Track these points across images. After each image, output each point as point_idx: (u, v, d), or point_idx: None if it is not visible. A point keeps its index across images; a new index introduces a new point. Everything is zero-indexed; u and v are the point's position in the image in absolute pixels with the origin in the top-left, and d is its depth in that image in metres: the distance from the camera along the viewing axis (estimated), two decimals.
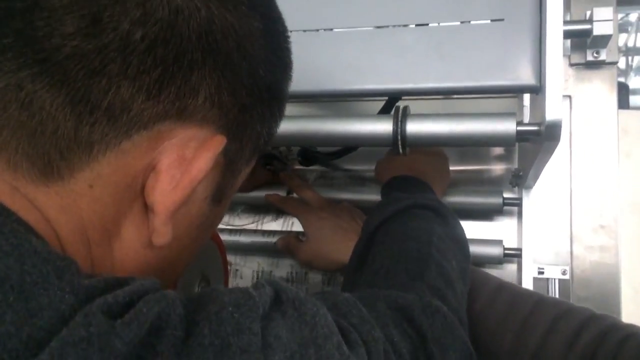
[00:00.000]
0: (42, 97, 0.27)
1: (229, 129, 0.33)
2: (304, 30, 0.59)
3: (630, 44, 2.75)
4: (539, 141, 0.53)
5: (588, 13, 0.74)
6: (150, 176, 0.30)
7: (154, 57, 0.28)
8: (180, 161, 0.31)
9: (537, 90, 0.53)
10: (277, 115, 0.39)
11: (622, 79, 2.77)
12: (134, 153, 0.29)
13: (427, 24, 0.56)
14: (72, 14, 0.26)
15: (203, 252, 0.61)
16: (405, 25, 0.57)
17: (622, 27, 2.69)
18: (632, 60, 2.78)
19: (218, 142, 0.32)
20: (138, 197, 0.31)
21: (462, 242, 0.59)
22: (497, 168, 0.88)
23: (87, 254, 0.30)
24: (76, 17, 0.26)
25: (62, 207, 0.29)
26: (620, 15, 2.68)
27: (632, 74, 2.82)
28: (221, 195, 0.36)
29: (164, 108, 0.29)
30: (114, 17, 0.27)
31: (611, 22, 0.73)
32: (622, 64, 2.82)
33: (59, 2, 0.27)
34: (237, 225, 0.93)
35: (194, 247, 0.38)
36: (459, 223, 0.61)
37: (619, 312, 0.75)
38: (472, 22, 0.55)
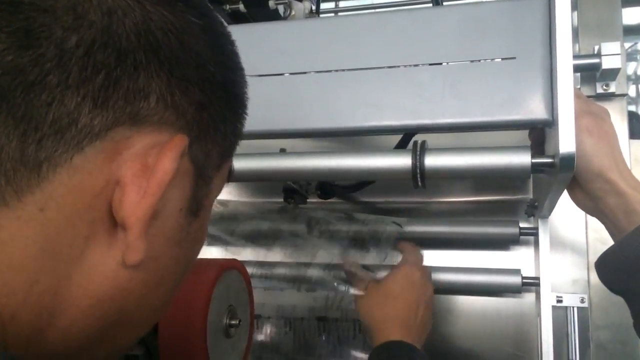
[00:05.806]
0: None
1: (190, 130, 0.31)
2: (324, 71, 0.62)
3: None
4: (553, 173, 0.55)
5: (596, 47, 0.77)
6: (116, 191, 0.29)
7: (94, 63, 0.27)
8: (145, 170, 0.29)
9: (550, 124, 0.55)
10: (240, 115, 0.37)
11: (632, 107, 2.78)
12: (89, 168, 0.28)
13: (441, 64, 0.59)
14: (1, 30, 0.26)
15: (230, 284, 0.63)
16: (421, 65, 0.59)
17: (632, 56, 2.71)
18: None
19: (179, 141, 0.30)
20: (104, 218, 0.29)
21: None
22: (513, 198, 0.89)
23: (29, 290, 0.27)
24: (6, 33, 0.26)
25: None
26: (629, 44, 2.70)
27: None
28: (197, 206, 0.34)
29: (115, 115, 0.28)
30: (45, 26, 0.26)
31: (619, 56, 0.75)
32: (632, 92, 2.84)
33: None
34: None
35: (178, 268, 0.35)
36: None
37: (636, 340, 0.75)
38: (484, 61, 0.58)
